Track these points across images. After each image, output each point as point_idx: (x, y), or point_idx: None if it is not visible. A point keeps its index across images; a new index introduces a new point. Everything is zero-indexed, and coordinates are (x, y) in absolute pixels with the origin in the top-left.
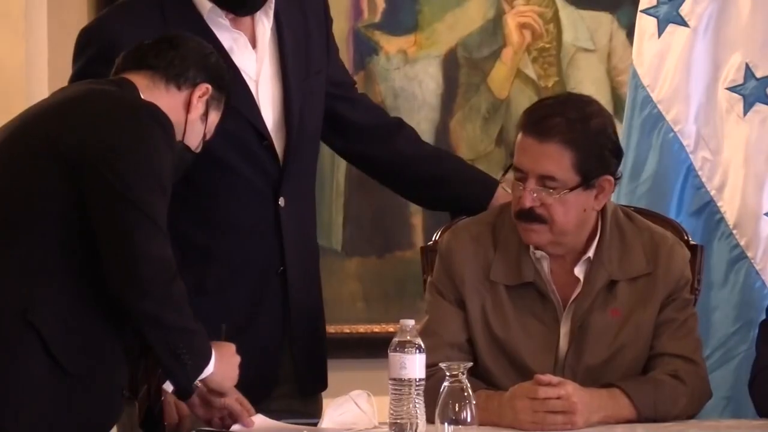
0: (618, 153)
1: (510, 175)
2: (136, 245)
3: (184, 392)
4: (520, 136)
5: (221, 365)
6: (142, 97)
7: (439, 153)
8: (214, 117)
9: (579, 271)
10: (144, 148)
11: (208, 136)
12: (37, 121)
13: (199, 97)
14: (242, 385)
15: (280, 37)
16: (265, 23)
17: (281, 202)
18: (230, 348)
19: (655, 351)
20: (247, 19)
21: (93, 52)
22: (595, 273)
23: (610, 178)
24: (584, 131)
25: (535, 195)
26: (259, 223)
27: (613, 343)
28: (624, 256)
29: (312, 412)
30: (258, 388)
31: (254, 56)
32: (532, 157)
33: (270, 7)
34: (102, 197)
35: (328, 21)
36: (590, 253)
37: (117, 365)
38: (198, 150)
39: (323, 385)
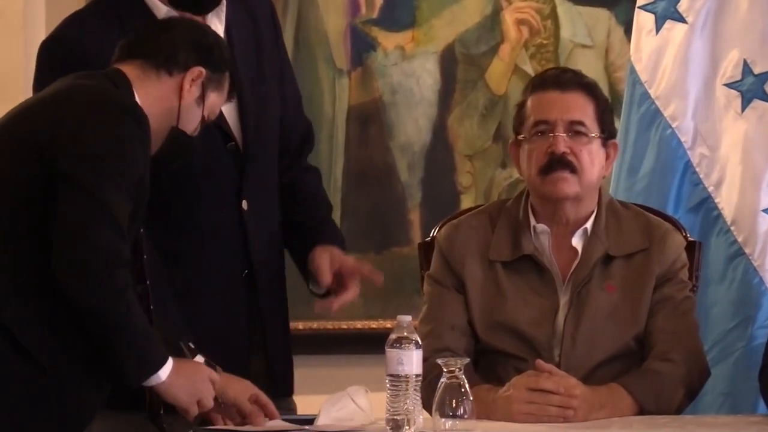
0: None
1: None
2: (82, 232)
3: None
4: (534, 96)
5: (178, 379)
6: (134, 87)
7: (305, 198)
8: (214, 98)
9: (577, 243)
10: (109, 142)
11: (212, 117)
12: (21, 117)
13: (192, 80)
14: None
15: (230, 41)
16: (218, 26)
17: (244, 204)
18: (196, 366)
19: (651, 328)
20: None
21: (57, 65)
22: (592, 245)
23: (617, 143)
24: (597, 88)
25: (566, 140)
26: (224, 226)
27: (610, 315)
28: (619, 234)
29: (290, 411)
30: None
31: None
32: (558, 107)
33: (222, 11)
34: (63, 188)
35: (277, 28)
36: (588, 225)
37: (93, 359)
38: (195, 133)
39: (292, 386)
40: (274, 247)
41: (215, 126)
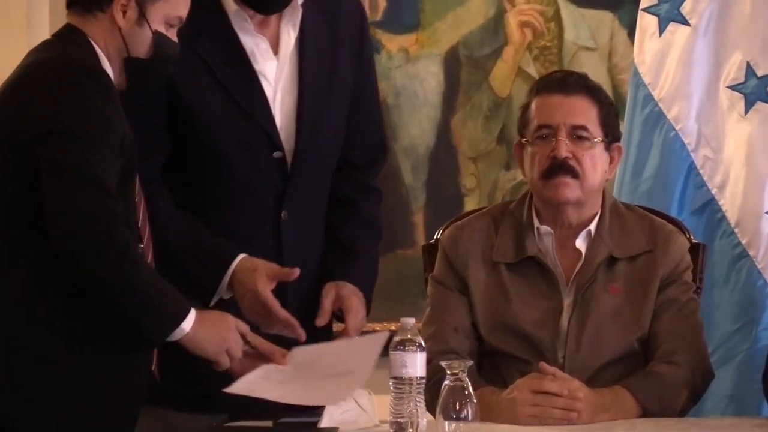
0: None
1: None
2: (69, 205)
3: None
4: (538, 99)
5: (202, 330)
6: (88, 36)
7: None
8: (161, 7)
9: (581, 244)
10: (75, 111)
11: (175, 22)
12: None
13: (122, 7)
14: None
15: (303, 48)
16: (290, 32)
17: (284, 215)
18: (221, 316)
19: (655, 330)
20: (272, 26)
21: None
22: (596, 247)
23: (621, 146)
24: (602, 92)
25: (568, 145)
26: (259, 234)
27: (614, 317)
28: (623, 236)
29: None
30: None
31: (275, 63)
32: (561, 111)
33: (297, 16)
34: (44, 169)
35: (363, 38)
36: (591, 227)
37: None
38: (149, 54)
39: None
40: (311, 260)
41: (262, 132)
